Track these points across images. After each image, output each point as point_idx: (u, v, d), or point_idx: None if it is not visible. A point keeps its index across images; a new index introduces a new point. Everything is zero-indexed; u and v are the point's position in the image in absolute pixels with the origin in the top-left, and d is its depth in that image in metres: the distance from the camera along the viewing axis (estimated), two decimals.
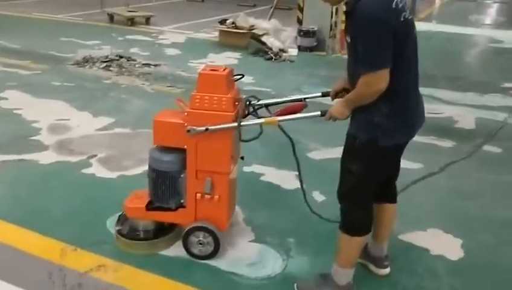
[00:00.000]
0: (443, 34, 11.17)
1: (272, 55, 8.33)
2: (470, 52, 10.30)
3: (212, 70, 2.76)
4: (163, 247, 2.97)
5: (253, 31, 8.87)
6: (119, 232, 2.99)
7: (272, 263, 2.91)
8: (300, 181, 2.88)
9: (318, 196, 3.64)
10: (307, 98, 2.83)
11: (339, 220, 2.57)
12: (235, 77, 2.89)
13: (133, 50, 8.32)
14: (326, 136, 4.67)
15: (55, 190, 3.64)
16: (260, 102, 2.89)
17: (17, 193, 3.58)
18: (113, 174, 3.90)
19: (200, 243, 2.87)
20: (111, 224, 3.15)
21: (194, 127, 2.67)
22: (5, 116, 5.11)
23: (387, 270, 2.84)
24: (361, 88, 2.26)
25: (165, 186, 2.86)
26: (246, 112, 2.85)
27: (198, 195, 2.82)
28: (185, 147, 2.77)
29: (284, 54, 8.47)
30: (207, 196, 2.81)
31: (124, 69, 7.19)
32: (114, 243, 3.00)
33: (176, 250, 2.95)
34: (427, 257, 3.07)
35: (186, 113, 2.72)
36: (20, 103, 5.52)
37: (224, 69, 2.76)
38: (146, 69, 7.28)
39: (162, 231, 3.00)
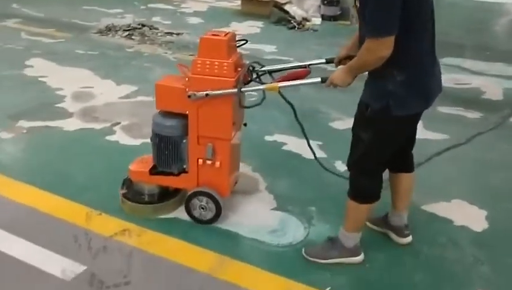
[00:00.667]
0: (468, 2, 10.80)
1: (294, 24, 8.20)
2: (498, 22, 9.95)
3: (213, 35, 2.72)
4: (168, 211, 3.01)
5: None
6: (124, 195, 3.04)
7: (294, 231, 2.92)
8: (308, 142, 2.88)
9: (341, 166, 3.61)
10: (311, 64, 2.77)
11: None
12: (239, 42, 2.86)
13: (155, 19, 8.28)
14: (349, 105, 4.59)
15: (80, 156, 3.70)
16: (264, 68, 2.85)
17: (43, 159, 3.65)
18: (136, 141, 3.94)
19: (202, 208, 2.90)
20: None
21: (195, 93, 2.67)
22: (30, 83, 5.17)
23: (408, 239, 2.83)
24: (363, 54, 2.20)
25: (167, 151, 2.88)
26: (249, 78, 2.81)
27: (200, 161, 2.84)
28: (187, 112, 2.77)
29: (307, 23, 8.32)
30: (208, 162, 2.82)
31: (146, 38, 7.17)
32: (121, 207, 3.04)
33: None
34: (451, 227, 3.04)
35: (187, 79, 2.72)
36: (44, 70, 5.57)
37: (226, 34, 2.72)
38: (168, 37, 7.25)
39: (167, 195, 3.04)
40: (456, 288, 2.54)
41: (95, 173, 3.45)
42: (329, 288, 2.47)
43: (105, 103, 4.72)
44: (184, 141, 2.85)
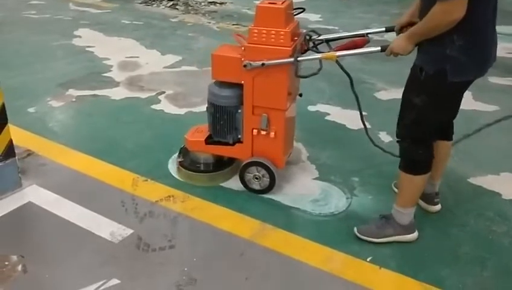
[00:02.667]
0: None
1: None
2: None
3: (270, 3, 2.67)
4: (222, 180, 3.06)
5: None
6: (181, 164, 3.10)
7: (336, 201, 2.92)
8: (361, 115, 2.76)
9: (385, 137, 3.56)
10: (370, 33, 2.68)
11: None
12: (295, 10, 2.80)
13: None
14: (394, 76, 4.48)
15: (126, 125, 3.79)
16: (321, 37, 2.79)
17: (92, 127, 3.76)
18: (181, 111, 3.99)
19: (256, 178, 2.92)
20: None
21: (251, 62, 2.65)
22: (78, 53, 5.31)
23: (438, 207, 2.79)
24: (435, 16, 2.09)
25: (223, 121, 2.90)
26: (306, 47, 2.75)
27: (255, 131, 2.84)
28: (242, 82, 2.76)
29: None
30: (263, 132, 2.82)
31: (190, 8, 7.19)
32: (177, 175, 3.11)
33: (241, 185, 3.01)
34: (499, 201, 2.95)
35: (243, 48, 2.69)
36: (92, 40, 5.70)
37: (283, 2, 2.66)
38: (212, 7, 7.25)
39: (222, 164, 3.08)
40: (503, 262, 2.47)
41: (141, 141, 3.53)
42: (371, 258, 2.47)
43: (150, 72, 4.80)
44: (239, 111, 2.86)
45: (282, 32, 2.60)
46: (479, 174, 3.19)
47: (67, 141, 3.50)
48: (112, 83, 4.53)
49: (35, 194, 2.89)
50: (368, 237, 2.58)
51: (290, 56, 2.60)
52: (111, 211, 2.76)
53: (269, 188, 2.93)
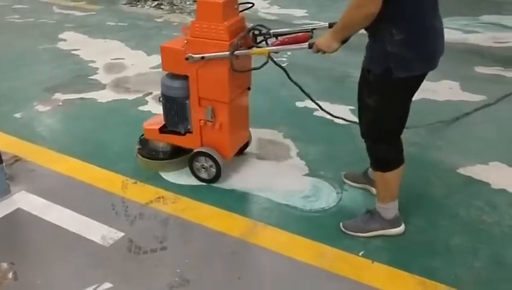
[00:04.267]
0: None
1: None
2: None
3: None
4: (176, 168, 3.14)
5: None
6: (139, 151, 3.20)
7: (326, 196, 2.92)
8: (310, 97, 2.99)
9: None
10: (315, 28, 2.68)
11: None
12: (243, 5, 2.83)
13: None
14: None
15: (114, 127, 3.77)
16: (270, 31, 2.79)
17: (79, 130, 3.73)
18: None
19: (203, 168, 2.99)
20: None
21: (192, 55, 2.71)
22: (64, 56, 5.27)
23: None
24: (350, 11, 2.08)
25: (173, 111, 2.99)
26: (254, 42, 2.77)
27: (202, 122, 2.91)
28: (187, 74, 2.82)
29: None
30: (209, 123, 2.88)
31: (175, 7, 7.16)
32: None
33: (230, 183, 3.02)
34: (488, 190, 2.97)
35: (185, 41, 2.75)
36: (77, 43, 5.66)
37: None
38: None
39: (179, 153, 3.16)
40: (495, 251, 2.49)
41: (129, 143, 3.50)
42: (363, 252, 2.47)
43: (136, 74, 4.77)
44: (188, 102, 2.92)
45: (220, 27, 2.63)
46: (467, 164, 3.21)
47: (55, 145, 3.47)
48: (99, 86, 4.50)
49: (24, 200, 2.86)
50: (353, 231, 2.59)
51: (228, 50, 2.62)
52: (101, 214, 2.74)
53: (215, 178, 2.99)
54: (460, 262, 2.42)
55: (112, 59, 5.13)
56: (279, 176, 3.11)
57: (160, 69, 3.94)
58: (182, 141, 3.09)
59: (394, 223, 2.58)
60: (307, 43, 2.44)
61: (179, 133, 3.07)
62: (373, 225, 2.57)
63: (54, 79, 4.63)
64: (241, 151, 3.27)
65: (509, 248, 2.52)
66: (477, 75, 4.61)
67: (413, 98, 2.35)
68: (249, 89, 3.06)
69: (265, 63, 2.61)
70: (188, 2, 7.36)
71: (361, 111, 2.43)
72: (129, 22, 6.53)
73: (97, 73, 4.79)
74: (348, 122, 3.55)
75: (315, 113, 3.90)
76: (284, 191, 2.96)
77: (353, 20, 2.12)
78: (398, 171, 2.48)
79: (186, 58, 2.74)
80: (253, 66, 2.83)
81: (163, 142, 3.15)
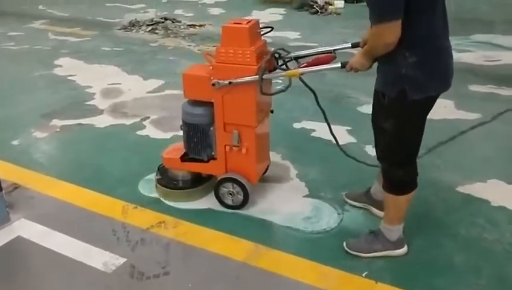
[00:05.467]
0: None
1: (317, 8, 8.15)
2: None
3: (235, 23, 2.74)
4: (200, 196, 3.10)
5: None
6: (158, 181, 3.14)
7: (327, 217, 2.92)
8: (329, 127, 2.85)
9: (371, 150, 3.57)
10: (336, 49, 2.72)
11: (376, 164, 2.51)
12: (264, 29, 2.86)
13: (177, 12, 8.34)
14: None
15: (112, 152, 3.77)
16: (290, 55, 2.83)
17: (78, 156, 3.73)
18: (167, 135, 3.99)
19: (230, 194, 2.96)
20: None
21: (219, 81, 2.71)
22: (60, 82, 5.29)
23: None
24: (371, 39, 2.14)
25: (196, 138, 2.97)
26: (275, 65, 2.79)
27: (227, 147, 2.89)
28: (212, 100, 2.81)
29: (330, 7, 8.26)
30: (235, 149, 2.87)
31: (169, 31, 7.23)
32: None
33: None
34: (488, 208, 2.98)
35: (211, 67, 2.76)
36: (73, 69, 5.69)
37: (248, 22, 2.72)
38: (191, 30, 7.30)
39: (200, 181, 3.13)
40: (497, 269, 2.49)
41: (128, 168, 3.51)
42: (366, 273, 2.47)
43: (133, 98, 4.79)
44: (211, 128, 2.91)
45: (247, 51, 2.66)
46: (466, 183, 3.23)
47: (53, 171, 3.46)
48: (96, 111, 4.51)
49: (24, 228, 2.84)
50: (356, 251, 2.59)
51: (256, 74, 2.65)
52: (102, 240, 2.73)
53: (243, 204, 2.96)
54: (464, 281, 2.42)
55: (108, 84, 5.15)
56: (279, 198, 3.11)
57: (158, 93, 3.97)
58: (206, 168, 3.05)
59: (398, 244, 2.58)
60: (339, 63, 2.46)
61: (201, 161, 3.03)
62: (377, 245, 2.57)
63: (50, 105, 4.64)
64: (261, 175, 3.23)
65: (510, 266, 2.52)
66: (472, 93, 4.67)
67: None
68: (271, 112, 3.06)
69: (288, 86, 2.61)
70: (182, 27, 7.43)
71: (377, 134, 2.45)
72: (124, 46, 6.58)
73: (94, 98, 4.80)
74: (347, 143, 3.57)
75: (313, 134, 3.93)
76: (285, 213, 2.96)
77: (374, 47, 2.17)
78: (411, 196, 2.49)
79: (213, 84, 2.72)
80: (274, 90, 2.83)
81: (183, 170, 3.12)
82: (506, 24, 6.93)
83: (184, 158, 3.07)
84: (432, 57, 2.17)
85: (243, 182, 2.89)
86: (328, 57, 2.66)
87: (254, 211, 2.98)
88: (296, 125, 4.09)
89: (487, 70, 5.28)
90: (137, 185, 3.27)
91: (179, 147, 3.15)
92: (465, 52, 5.71)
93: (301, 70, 2.61)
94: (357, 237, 2.66)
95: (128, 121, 4.28)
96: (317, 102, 2.73)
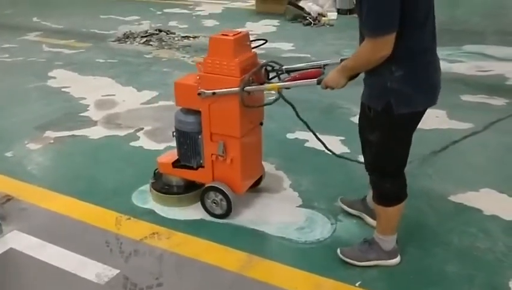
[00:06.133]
0: None
1: (310, 20, 8.19)
2: None
3: (222, 34, 2.78)
4: (190, 203, 3.13)
5: None
6: (152, 185, 3.20)
7: (321, 227, 2.92)
8: (314, 135, 2.99)
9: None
10: (327, 64, 2.73)
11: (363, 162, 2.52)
12: (256, 42, 2.90)
13: (171, 23, 8.37)
14: None
15: (106, 163, 3.76)
16: (281, 68, 2.85)
17: (71, 168, 3.72)
18: (160, 146, 3.98)
19: (214, 202, 2.98)
20: None
21: (204, 90, 2.76)
22: (54, 94, 5.28)
23: None
24: (363, 53, 2.13)
25: (186, 145, 3.02)
26: (266, 77, 2.82)
27: (214, 156, 2.93)
28: (200, 109, 2.86)
29: (323, 19, 8.30)
30: (221, 158, 2.90)
31: (164, 43, 7.25)
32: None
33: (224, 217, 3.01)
34: (480, 217, 3.00)
35: (198, 77, 2.80)
36: (67, 81, 5.68)
37: (236, 34, 2.76)
38: (186, 41, 7.32)
39: (192, 187, 3.17)
40: (490, 278, 2.50)
41: (122, 179, 3.51)
42: (359, 283, 2.47)
43: (127, 110, 4.79)
44: (200, 136, 2.95)
45: (232, 63, 2.69)
46: (459, 192, 3.24)
47: (47, 183, 3.45)
48: (90, 123, 4.51)
49: (17, 240, 2.83)
50: (350, 259, 2.59)
51: (238, 86, 2.67)
52: (95, 252, 2.72)
53: (227, 213, 2.98)
54: None
55: (102, 96, 5.15)
56: (273, 208, 3.12)
57: (152, 105, 3.99)
58: (194, 176, 3.09)
59: (391, 254, 2.58)
60: (315, 80, 2.48)
61: (191, 168, 3.07)
62: (371, 254, 2.58)
63: (44, 117, 4.63)
64: (255, 186, 3.26)
65: (503, 274, 2.53)
66: (463, 103, 4.71)
67: None
68: (261, 124, 3.07)
69: (276, 99, 2.66)
70: (176, 38, 7.46)
71: (364, 146, 2.46)
72: (119, 58, 6.59)
73: (88, 110, 4.80)
74: (340, 153, 3.58)
75: (306, 145, 3.94)
76: (278, 223, 2.96)
77: (368, 62, 2.14)
78: (401, 206, 2.50)
79: (199, 94, 2.77)
80: (266, 101, 2.87)
81: (176, 176, 3.17)
82: (497, 35, 7.01)
83: (176, 164, 3.12)
84: (419, 71, 2.18)
85: (226, 191, 2.91)
86: (316, 72, 2.68)
87: (247, 221, 2.98)
88: (290, 136, 4.10)
89: (478, 80, 5.33)
90: (131, 196, 3.27)
91: (173, 154, 3.20)
92: (457, 62, 5.76)
93: (280, 84, 2.69)
94: (351, 246, 2.66)
95: (122, 133, 4.28)
96: (297, 115, 2.82)
